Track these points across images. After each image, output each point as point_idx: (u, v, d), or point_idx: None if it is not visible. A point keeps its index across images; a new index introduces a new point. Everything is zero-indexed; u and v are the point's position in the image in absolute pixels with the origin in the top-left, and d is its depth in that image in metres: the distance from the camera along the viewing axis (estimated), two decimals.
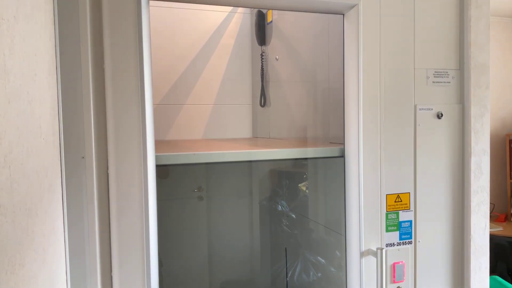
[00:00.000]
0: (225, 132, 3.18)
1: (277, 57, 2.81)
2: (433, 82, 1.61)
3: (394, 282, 1.57)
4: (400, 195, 1.59)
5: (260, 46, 3.01)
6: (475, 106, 1.63)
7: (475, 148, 1.63)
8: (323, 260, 2.29)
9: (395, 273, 1.57)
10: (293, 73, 2.57)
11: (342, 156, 1.64)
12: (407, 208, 1.59)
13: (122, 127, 1.33)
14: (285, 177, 2.85)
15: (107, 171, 1.32)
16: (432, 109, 1.61)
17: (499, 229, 3.02)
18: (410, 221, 1.60)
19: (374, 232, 1.55)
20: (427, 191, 1.61)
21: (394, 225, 1.58)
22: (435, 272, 1.63)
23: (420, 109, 1.59)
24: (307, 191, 2.51)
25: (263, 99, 3.00)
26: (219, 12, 3.11)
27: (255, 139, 3.04)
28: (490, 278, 1.68)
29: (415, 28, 1.58)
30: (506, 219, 3.31)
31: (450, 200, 1.64)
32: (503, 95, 3.60)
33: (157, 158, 1.47)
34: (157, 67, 3.00)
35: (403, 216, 1.59)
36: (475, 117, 1.63)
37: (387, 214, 1.57)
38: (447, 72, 1.63)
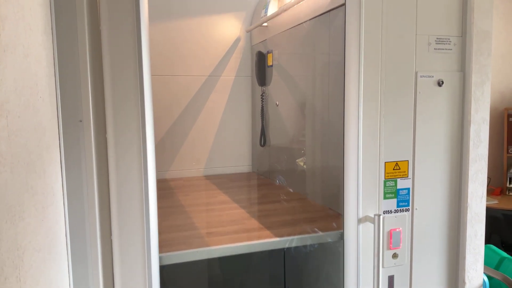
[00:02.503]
0: (225, 167, 3.24)
1: (277, 102, 2.84)
2: (434, 49, 1.59)
3: (391, 248, 1.59)
4: (398, 162, 1.59)
5: (260, 87, 3.05)
6: (476, 74, 1.62)
7: (475, 117, 1.63)
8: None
9: (392, 239, 1.59)
10: (294, 118, 2.60)
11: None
12: (405, 176, 1.60)
13: (120, 91, 1.31)
14: None
15: (105, 136, 1.31)
16: (433, 76, 1.59)
17: (494, 202, 3.06)
18: (408, 189, 1.60)
19: (372, 199, 1.56)
20: (426, 159, 1.61)
21: (392, 193, 1.59)
22: (431, 239, 1.65)
23: (421, 76, 1.57)
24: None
25: (263, 139, 3.03)
26: (220, 48, 3.18)
27: (255, 178, 3.06)
28: (485, 247, 1.70)
29: None
30: (501, 192, 3.35)
31: (448, 168, 1.64)
32: (503, 68, 3.58)
33: (160, 258, 1.50)
34: (157, 104, 3.04)
35: (401, 183, 1.60)
36: (476, 85, 1.62)
37: (385, 182, 1.57)
38: (449, 39, 1.61)
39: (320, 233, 1.80)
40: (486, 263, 1.90)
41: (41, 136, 0.95)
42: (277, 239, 1.74)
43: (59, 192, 1.17)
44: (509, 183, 3.33)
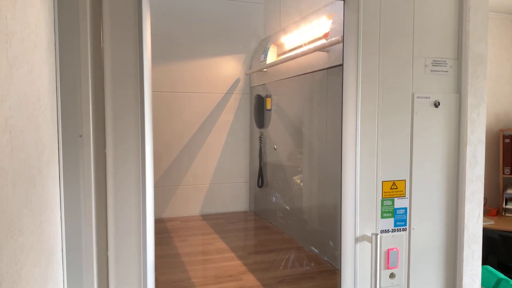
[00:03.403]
0: (222, 206, 3.26)
1: (275, 146, 2.91)
2: (431, 70, 1.62)
3: (388, 268, 1.59)
4: (396, 182, 1.60)
5: (259, 129, 3.11)
6: (472, 96, 1.64)
7: (471, 138, 1.64)
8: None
9: (389, 259, 1.59)
10: (291, 161, 2.66)
11: None
12: (402, 195, 1.60)
13: (120, 107, 1.32)
14: None
15: (104, 151, 1.32)
16: (429, 97, 1.62)
17: (490, 223, 3.06)
18: (405, 208, 1.61)
19: (369, 218, 1.56)
20: (423, 179, 1.62)
21: (389, 212, 1.59)
22: (428, 259, 1.64)
23: (417, 97, 1.60)
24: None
25: (261, 180, 3.07)
26: (220, 89, 3.23)
27: (252, 219, 3.09)
28: (482, 268, 1.70)
29: (415, 16, 1.59)
30: (497, 213, 3.35)
31: (445, 188, 1.65)
32: (498, 91, 3.63)
33: None
34: (157, 142, 3.09)
35: (399, 203, 1.60)
36: (472, 107, 1.64)
37: (382, 201, 1.58)
38: (445, 61, 1.64)
39: None
40: (483, 284, 1.89)
41: (41, 151, 0.95)
42: None
43: (56, 207, 1.16)
44: (505, 204, 3.34)
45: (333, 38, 1.97)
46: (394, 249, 1.59)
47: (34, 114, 0.90)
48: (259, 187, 3.01)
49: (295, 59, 2.45)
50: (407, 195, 1.61)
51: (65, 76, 1.26)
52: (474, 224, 1.66)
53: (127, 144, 1.32)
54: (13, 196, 0.69)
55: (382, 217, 1.58)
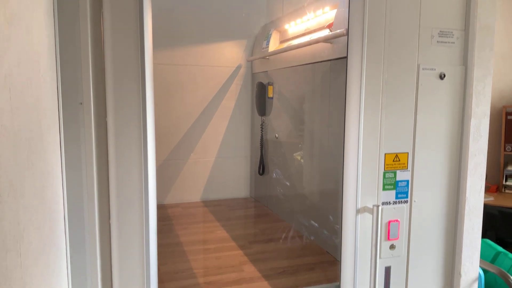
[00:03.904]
0: (223, 192, 3.25)
1: (276, 135, 2.88)
2: (437, 41, 1.59)
3: (388, 239, 1.60)
4: (398, 154, 1.59)
5: (260, 116, 3.08)
6: (478, 68, 1.62)
7: (476, 111, 1.63)
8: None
9: (390, 231, 1.59)
10: (293, 149, 2.64)
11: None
12: (404, 168, 1.60)
13: (121, 74, 1.30)
14: None
15: (105, 119, 1.30)
16: (435, 69, 1.59)
17: (490, 199, 3.07)
18: (407, 181, 1.61)
19: (371, 190, 1.56)
20: (426, 151, 1.61)
21: (391, 184, 1.59)
22: (428, 232, 1.65)
23: (423, 69, 1.57)
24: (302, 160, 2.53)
25: (262, 168, 3.07)
26: (221, 75, 3.17)
27: (252, 206, 3.10)
28: (481, 241, 1.71)
29: None
30: (497, 190, 3.36)
31: (448, 161, 1.64)
32: (503, 67, 3.58)
33: None
34: (159, 129, 3.05)
35: (400, 175, 1.60)
36: (477, 79, 1.62)
37: (384, 173, 1.57)
38: (452, 32, 1.61)
39: (318, 286, 1.83)
40: (482, 256, 1.91)
41: (42, 115, 0.94)
42: None
43: (58, 174, 1.16)
44: (506, 181, 3.35)
45: (338, 31, 1.92)
46: (395, 221, 1.60)
47: (33, 76, 0.88)
48: (260, 174, 3.03)
49: (300, 48, 2.41)
50: (409, 167, 1.60)
51: (64, 43, 1.24)
52: (475, 198, 1.67)
53: (128, 112, 1.30)
54: (14, 155, 0.68)
55: (384, 189, 1.58)
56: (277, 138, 2.80)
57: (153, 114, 1.40)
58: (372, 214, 1.52)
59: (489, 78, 1.64)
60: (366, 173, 1.54)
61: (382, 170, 1.57)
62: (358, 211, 1.55)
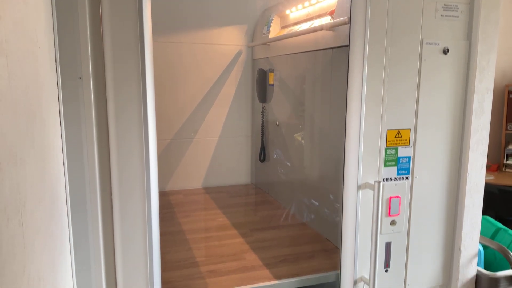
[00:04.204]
0: (224, 179, 3.25)
1: (277, 122, 2.86)
2: (441, 15, 1.56)
3: (389, 215, 1.60)
4: (400, 130, 1.58)
5: (261, 103, 3.06)
6: (482, 43, 1.59)
7: (479, 86, 1.61)
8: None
9: (391, 207, 1.60)
10: (293, 136, 2.63)
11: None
12: (406, 144, 1.59)
13: (120, 48, 1.28)
14: None
15: (105, 94, 1.29)
16: (438, 44, 1.57)
17: (491, 178, 3.08)
18: (409, 157, 1.60)
19: (372, 166, 1.55)
20: (428, 127, 1.60)
21: (392, 161, 1.58)
22: (429, 208, 1.65)
23: (426, 44, 1.55)
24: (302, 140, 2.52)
25: (263, 155, 3.07)
26: (222, 61, 3.14)
27: (253, 193, 3.11)
28: (482, 218, 1.72)
29: None
30: (498, 169, 3.37)
31: (450, 137, 1.64)
32: (506, 45, 3.54)
33: None
34: (161, 116, 3.04)
35: (402, 152, 1.59)
36: (482, 54, 1.60)
37: (386, 149, 1.57)
38: (456, 5, 1.57)
39: (319, 275, 1.85)
40: (482, 233, 1.92)
41: (40, 87, 0.93)
42: (276, 282, 1.79)
43: (58, 148, 1.15)
44: (506, 160, 3.35)
45: (340, 19, 1.89)
46: (396, 197, 1.60)
47: (31, 47, 0.86)
48: (261, 161, 3.04)
49: (301, 35, 2.38)
50: (411, 144, 1.59)
51: (62, 15, 1.21)
52: (477, 174, 1.66)
53: (128, 87, 1.29)
54: (13, 124, 0.67)
55: (386, 165, 1.57)
56: (278, 125, 2.80)
57: (153, 89, 1.38)
58: (373, 190, 1.52)
59: (493, 54, 1.62)
60: (367, 149, 1.53)
61: (383, 147, 1.56)
62: (359, 187, 1.55)
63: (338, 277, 1.72)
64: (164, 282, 1.74)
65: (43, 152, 0.92)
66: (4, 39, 0.64)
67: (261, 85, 2.92)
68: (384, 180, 1.58)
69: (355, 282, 1.59)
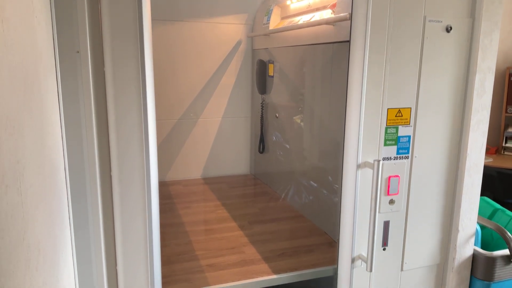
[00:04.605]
0: (223, 169, 3.25)
1: (277, 115, 2.84)
2: None
3: (388, 194, 1.61)
4: (401, 109, 1.57)
5: (260, 95, 3.03)
6: (486, 21, 1.57)
7: (481, 65, 1.59)
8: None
9: (390, 186, 1.60)
10: (293, 128, 2.63)
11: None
12: (407, 123, 1.59)
13: (118, 21, 1.25)
14: None
15: (103, 69, 1.27)
16: (441, 21, 1.54)
17: (489, 161, 3.08)
18: (409, 137, 1.60)
19: (372, 146, 1.55)
20: (428, 107, 1.59)
21: (392, 140, 1.58)
22: (428, 187, 1.66)
23: (429, 21, 1.53)
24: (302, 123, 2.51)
25: (262, 146, 3.06)
26: (221, 51, 3.10)
27: (252, 184, 3.11)
28: (480, 198, 1.72)
29: None
30: (496, 151, 3.37)
31: (451, 117, 1.63)
32: (508, 27, 3.50)
33: None
34: (160, 105, 3.01)
35: (402, 131, 1.59)
36: (485, 33, 1.58)
37: (386, 129, 1.56)
38: None
39: (317, 269, 1.86)
40: (480, 213, 1.93)
41: (38, 59, 0.91)
42: (275, 276, 1.80)
43: (57, 123, 1.14)
44: (505, 143, 3.35)
45: (341, 14, 1.87)
46: (395, 177, 1.60)
47: (28, 18, 0.84)
48: (260, 152, 3.05)
49: (301, 29, 2.37)
50: (412, 123, 1.59)
51: None
52: (476, 154, 1.66)
53: (127, 61, 1.27)
54: (10, 90, 0.65)
55: (385, 144, 1.57)
56: (277, 117, 2.80)
57: (152, 65, 1.37)
58: (373, 169, 1.51)
59: (497, 32, 1.60)
60: (368, 128, 1.53)
61: (384, 126, 1.55)
62: (358, 166, 1.55)
63: (336, 272, 1.75)
64: (164, 276, 1.78)
65: (41, 126, 0.91)
66: (0, 4, 0.62)
67: (261, 76, 2.92)
68: (384, 159, 1.58)
69: (353, 260, 1.60)
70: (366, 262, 1.57)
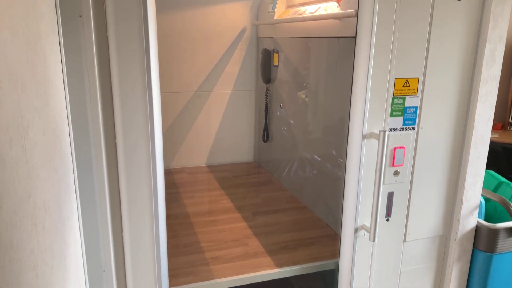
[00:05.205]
0: (227, 156, 3.25)
1: (281, 105, 2.81)
2: None
3: (393, 165, 1.60)
4: (408, 79, 1.54)
5: (265, 84, 2.98)
6: None
7: (492, 35, 1.56)
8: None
9: (395, 157, 1.59)
10: (297, 118, 2.60)
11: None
12: (414, 94, 1.56)
13: None
14: None
15: (106, 33, 1.25)
16: None
17: (495, 136, 3.06)
18: (416, 107, 1.58)
19: (378, 116, 1.53)
20: (437, 77, 1.56)
21: (399, 110, 1.56)
22: (434, 159, 1.65)
23: None
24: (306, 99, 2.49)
25: (266, 135, 3.04)
26: (226, 38, 3.04)
27: (256, 172, 3.11)
28: (485, 172, 1.71)
29: None
30: (502, 127, 3.35)
31: (459, 88, 1.60)
32: None
33: None
34: (164, 92, 2.98)
35: (409, 101, 1.56)
36: (497, 0, 1.53)
37: (393, 99, 1.54)
38: None
39: (319, 263, 1.89)
40: (485, 187, 1.92)
41: (39, 18, 0.89)
42: (278, 270, 1.84)
43: (60, 87, 1.13)
44: None
45: (347, 11, 1.83)
46: (401, 148, 1.59)
47: None
48: (264, 141, 3.05)
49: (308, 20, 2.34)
50: (419, 93, 1.56)
51: None
52: (483, 126, 1.64)
53: (129, 24, 1.24)
54: (12, 46, 0.64)
55: (392, 115, 1.55)
56: (281, 108, 2.80)
57: (155, 27, 1.34)
58: (378, 139, 1.50)
59: (509, 1, 1.56)
60: (374, 98, 1.51)
61: (391, 96, 1.53)
62: (364, 137, 1.54)
63: (337, 265, 1.77)
64: (171, 269, 1.81)
65: (45, 85, 0.90)
66: None
67: (266, 66, 2.90)
68: (390, 130, 1.56)
69: (356, 230, 1.61)
70: (369, 232, 1.58)
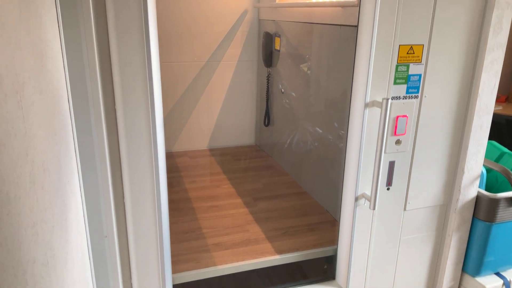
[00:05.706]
0: (229, 140, 3.23)
1: (282, 90, 2.75)
2: None
3: (395, 134, 1.59)
4: (413, 46, 1.51)
5: (266, 68, 2.90)
6: None
7: (500, 0, 1.51)
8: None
9: (397, 126, 1.58)
10: (298, 102, 2.55)
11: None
12: (418, 61, 1.53)
13: None
14: None
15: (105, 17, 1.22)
16: None
17: (499, 108, 3.03)
18: (420, 75, 1.55)
19: (381, 84, 1.51)
20: (441, 44, 1.53)
21: (402, 78, 1.54)
22: (436, 128, 1.63)
23: None
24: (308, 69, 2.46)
25: (267, 119, 3.01)
26: (227, 20, 2.96)
27: (257, 156, 3.08)
28: (487, 142, 1.70)
29: None
30: (506, 100, 3.31)
31: (464, 55, 1.57)
32: None
33: (174, 278, 1.65)
34: (165, 77, 2.93)
35: (413, 69, 1.54)
36: None
37: (397, 66, 1.51)
38: None
39: (318, 249, 1.91)
40: (487, 157, 1.92)
41: None
42: (278, 256, 1.85)
43: (57, 48, 1.11)
44: None
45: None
46: (403, 116, 1.57)
47: None
48: (266, 125, 3.03)
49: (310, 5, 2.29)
50: (423, 61, 1.54)
51: None
52: (487, 95, 1.62)
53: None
54: (6, 5, 0.62)
55: (395, 83, 1.53)
56: (283, 92, 2.77)
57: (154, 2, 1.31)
58: (381, 108, 1.48)
59: None
60: (378, 65, 1.48)
61: (395, 63, 1.51)
62: (366, 105, 1.52)
63: (336, 252, 1.80)
64: (174, 255, 1.84)
65: (40, 46, 0.88)
66: None
67: (267, 49, 2.86)
68: (393, 98, 1.55)
69: (356, 198, 1.62)
70: (369, 200, 1.58)
